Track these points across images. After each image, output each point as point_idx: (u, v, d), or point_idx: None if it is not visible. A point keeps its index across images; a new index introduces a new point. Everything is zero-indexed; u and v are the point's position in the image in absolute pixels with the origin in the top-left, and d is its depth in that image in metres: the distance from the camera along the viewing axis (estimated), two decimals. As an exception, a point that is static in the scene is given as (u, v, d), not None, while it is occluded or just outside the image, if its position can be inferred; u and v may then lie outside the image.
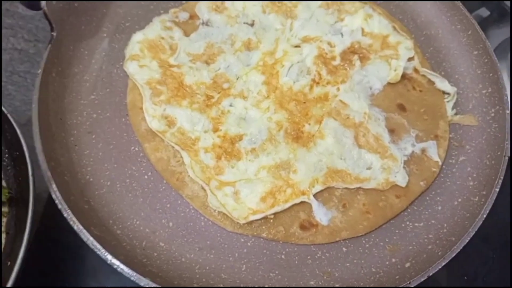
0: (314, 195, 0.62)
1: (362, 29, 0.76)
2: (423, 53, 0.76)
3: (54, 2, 0.67)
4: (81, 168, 0.63)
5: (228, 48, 0.73)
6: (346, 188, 0.63)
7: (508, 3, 0.93)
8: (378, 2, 0.81)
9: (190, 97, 0.67)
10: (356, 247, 0.60)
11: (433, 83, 0.72)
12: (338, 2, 0.78)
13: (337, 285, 0.58)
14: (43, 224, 0.70)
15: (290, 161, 0.63)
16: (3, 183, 0.68)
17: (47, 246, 0.70)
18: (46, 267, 0.69)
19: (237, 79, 0.70)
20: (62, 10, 0.68)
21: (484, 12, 0.95)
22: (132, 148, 0.65)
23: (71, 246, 0.69)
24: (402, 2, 0.81)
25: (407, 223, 0.62)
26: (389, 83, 0.72)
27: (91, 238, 0.54)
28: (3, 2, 0.97)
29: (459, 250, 0.57)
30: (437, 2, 0.79)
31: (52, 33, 0.68)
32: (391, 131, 0.67)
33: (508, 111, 0.66)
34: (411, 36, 0.77)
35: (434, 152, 0.66)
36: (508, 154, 0.63)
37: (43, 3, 0.66)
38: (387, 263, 0.59)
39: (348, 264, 0.59)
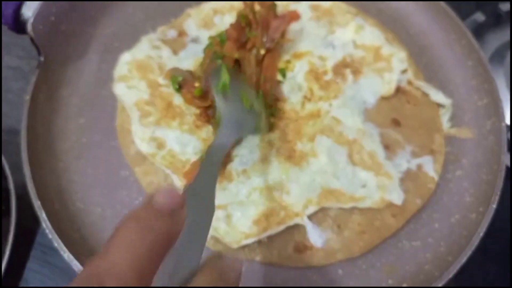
0: (308, 217, 0.60)
1: (354, 41, 0.74)
2: (416, 64, 0.75)
3: (40, 26, 0.66)
4: (71, 195, 0.62)
5: (217, 65, 0.72)
6: (340, 208, 0.62)
7: (503, 7, 0.92)
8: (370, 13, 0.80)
9: (179, 117, 0.66)
10: (352, 268, 0.59)
11: (427, 95, 0.71)
12: (329, 14, 0.77)
13: (333, 309, 0.57)
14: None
15: (282, 181, 0.62)
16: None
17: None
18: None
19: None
20: (49, 33, 0.68)
21: (479, 17, 0.93)
22: (122, 172, 0.64)
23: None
24: (395, 12, 0.80)
25: (404, 242, 0.61)
26: (382, 97, 0.70)
27: (82, 268, 0.54)
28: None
29: (456, 270, 0.56)
30: (430, 11, 0.78)
31: (40, 57, 0.67)
32: (386, 147, 0.66)
33: (504, 124, 0.65)
34: (404, 47, 0.76)
35: (430, 168, 0.65)
36: (504, 167, 0.62)
37: (29, 27, 0.65)
38: (383, 284, 0.58)
39: (344, 287, 0.58)
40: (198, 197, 0.28)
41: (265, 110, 0.61)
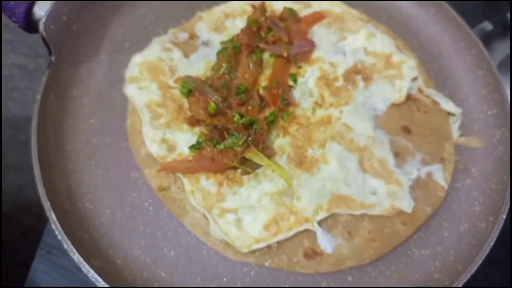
0: (318, 222, 0.60)
1: (365, 48, 0.74)
2: (427, 72, 0.75)
3: (52, 26, 0.66)
4: (81, 196, 0.62)
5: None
6: (350, 214, 0.62)
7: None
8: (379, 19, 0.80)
9: (191, 120, 0.66)
10: (361, 275, 0.59)
11: (437, 103, 0.71)
12: (340, 20, 0.77)
13: (342, 316, 0.57)
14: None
15: (293, 187, 0.62)
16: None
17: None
18: None
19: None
20: (60, 33, 0.67)
21: (487, 26, 0.94)
22: (132, 174, 0.64)
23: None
24: (405, 19, 0.80)
25: (414, 250, 0.61)
26: (393, 104, 0.70)
27: (92, 271, 0.54)
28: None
29: (465, 280, 0.56)
30: (440, 19, 0.78)
31: (51, 57, 0.67)
32: (396, 155, 0.66)
33: (514, 134, 0.65)
34: (415, 54, 0.76)
35: (440, 176, 0.65)
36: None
37: (41, 26, 0.65)
38: (393, 292, 0.58)
39: (353, 294, 0.58)
40: None
41: None
